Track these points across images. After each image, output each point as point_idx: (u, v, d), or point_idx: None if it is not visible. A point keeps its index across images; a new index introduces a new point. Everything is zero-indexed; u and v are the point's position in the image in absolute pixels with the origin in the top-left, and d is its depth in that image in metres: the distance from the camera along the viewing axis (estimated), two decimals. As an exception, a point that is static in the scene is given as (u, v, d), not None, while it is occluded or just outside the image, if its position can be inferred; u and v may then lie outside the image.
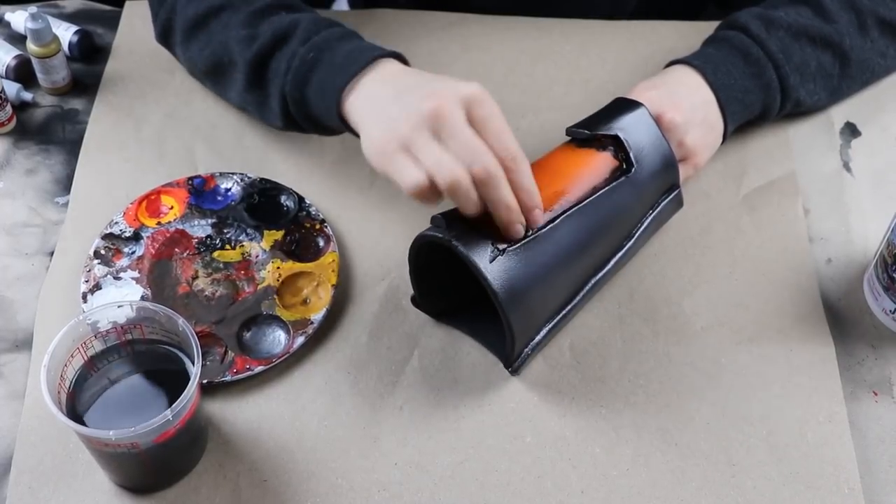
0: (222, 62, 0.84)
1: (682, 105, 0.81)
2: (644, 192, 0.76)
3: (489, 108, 0.68)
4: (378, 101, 0.72)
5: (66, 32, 0.95)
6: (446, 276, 0.75)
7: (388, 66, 0.74)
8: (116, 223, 0.82)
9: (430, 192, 0.67)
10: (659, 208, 0.78)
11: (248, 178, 0.85)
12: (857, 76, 0.89)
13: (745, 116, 0.86)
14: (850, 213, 0.86)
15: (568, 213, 0.72)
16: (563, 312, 0.75)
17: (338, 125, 0.76)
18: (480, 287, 0.68)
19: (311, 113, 0.79)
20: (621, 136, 0.75)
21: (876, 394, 0.75)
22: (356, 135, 0.74)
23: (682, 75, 0.84)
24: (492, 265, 0.67)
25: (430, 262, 0.74)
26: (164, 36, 0.90)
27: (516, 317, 0.69)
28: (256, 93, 0.82)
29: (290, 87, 0.78)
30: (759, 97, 0.85)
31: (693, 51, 0.88)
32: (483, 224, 0.69)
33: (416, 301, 0.78)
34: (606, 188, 0.74)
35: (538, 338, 0.74)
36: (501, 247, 0.68)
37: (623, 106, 0.78)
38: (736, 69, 0.84)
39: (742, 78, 0.84)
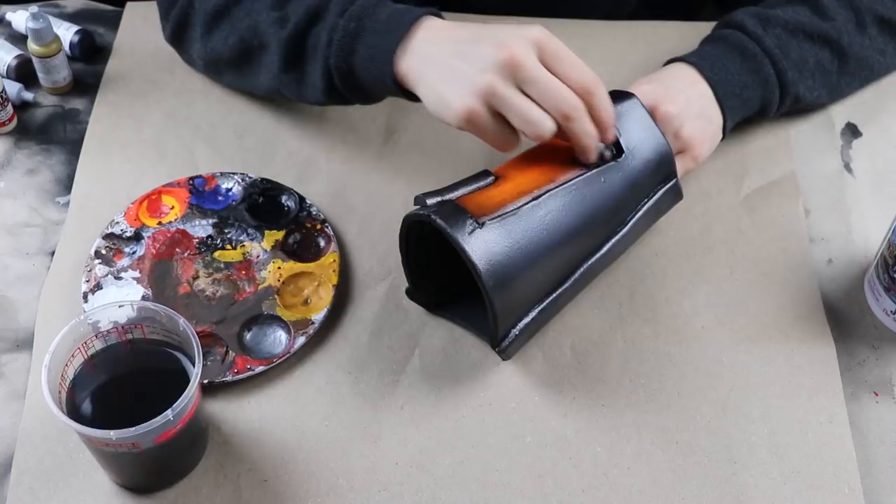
0: (251, 47, 0.83)
1: (678, 98, 0.81)
2: (637, 179, 0.76)
3: (556, 43, 0.70)
4: (438, 59, 0.72)
5: (66, 32, 0.95)
6: (440, 267, 0.76)
7: (434, 23, 0.75)
8: (117, 223, 0.82)
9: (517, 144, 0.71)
10: (655, 197, 0.78)
11: (249, 178, 0.85)
12: (856, 73, 0.89)
13: (744, 111, 0.86)
14: (851, 213, 0.86)
15: (552, 191, 0.72)
16: (554, 295, 0.74)
17: (390, 90, 0.76)
18: (472, 276, 0.68)
19: (360, 82, 0.78)
20: None
21: (877, 394, 0.75)
22: (409, 98, 0.75)
23: (678, 71, 0.84)
24: (471, 237, 0.68)
25: (422, 252, 0.74)
26: (178, 33, 0.89)
27: (497, 290, 0.69)
28: (294, 72, 0.82)
29: (335, 60, 0.78)
30: (758, 92, 0.85)
31: (692, 50, 0.88)
32: (468, 200, 0.70)
33: (410, 293, 0.78)
34: (594, 171, 0.74)
35: (527, 319, 0.73)
36: (481, 220, 0.68)
37: (614, 96, 0.78)
38: (733, 65, 0.84)
39: (740, 73, 0.84)
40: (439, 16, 0.77)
